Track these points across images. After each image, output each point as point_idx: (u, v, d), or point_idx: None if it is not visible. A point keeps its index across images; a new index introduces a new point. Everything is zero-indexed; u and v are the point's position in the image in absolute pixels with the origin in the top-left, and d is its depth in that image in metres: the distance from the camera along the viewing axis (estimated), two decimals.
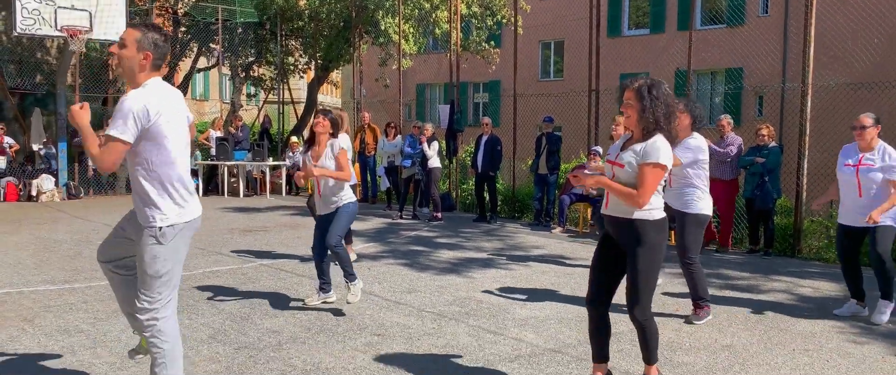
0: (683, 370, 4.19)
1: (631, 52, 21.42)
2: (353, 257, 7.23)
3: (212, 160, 15.12)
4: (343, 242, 5.44)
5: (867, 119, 5.37)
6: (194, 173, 15.51)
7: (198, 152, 16.49)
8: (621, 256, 3.56)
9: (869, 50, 15.75)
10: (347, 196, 5.41)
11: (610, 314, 3.68)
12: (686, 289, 5.50)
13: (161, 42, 3.07)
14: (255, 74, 20.52)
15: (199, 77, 27.71)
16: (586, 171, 10.24)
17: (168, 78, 19.12)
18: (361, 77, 15.23)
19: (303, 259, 7.53)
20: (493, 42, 18.88)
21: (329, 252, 5.38)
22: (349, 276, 5.36)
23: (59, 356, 4.25)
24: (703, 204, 5.30)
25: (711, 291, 6.21)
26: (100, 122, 18.74)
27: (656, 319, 3.71)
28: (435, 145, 11.21)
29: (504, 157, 11.43)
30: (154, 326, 3.11)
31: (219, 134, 15.17)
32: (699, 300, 5.32)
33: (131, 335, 4.68)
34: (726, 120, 8.65)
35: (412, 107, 27.16)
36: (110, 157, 2.94)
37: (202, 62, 21.34)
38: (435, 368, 4.16)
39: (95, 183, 14.76)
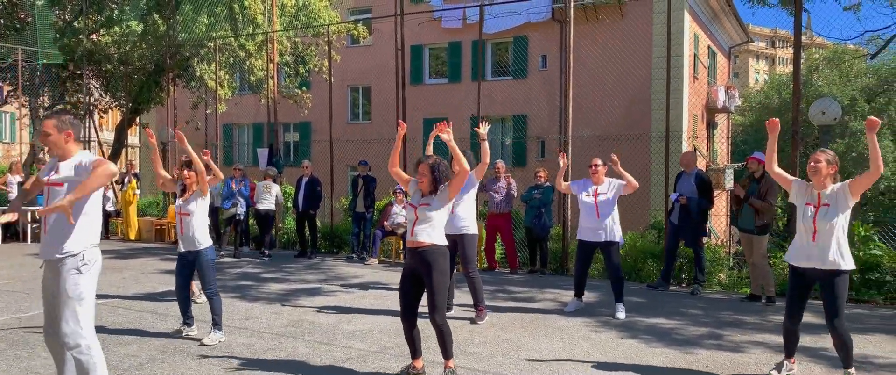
0: (475, 357, 5.57)
1: (431, 98, 23.46)
2: (195, 293, 7.69)
3: None
4: (216, 289, 6.19)
5: (599, 161, 7.24)
6: None
7: None
8: (420, 281, 4.86)
9: (611, 111, 20.60)
10: (205, 240, 6.18)
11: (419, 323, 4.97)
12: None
13: (74, 120, 3.91)
14: None
15: (6, 119, 25.29)
16: (396, 209, 11.61)
17: None
18: (176, 120, 15.51)
19: (134, 298, 8.03)
20: (304, 87, 19.91)
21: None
22: (217, 325, 6.08)
23: None
24: (474, 227, 6.87)
25: (498, 303, 7.78)
26: None
27: (453, 323, 5.05)
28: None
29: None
30: (84, 346, 3.86)
31: (19, 179, 14.51)
32: (479, 305, 6.82)
33: None
34: (500, 164, 10.48)
35: (220, 148, 27.18)
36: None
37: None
38: (281, 372, 5.14)
39: None
